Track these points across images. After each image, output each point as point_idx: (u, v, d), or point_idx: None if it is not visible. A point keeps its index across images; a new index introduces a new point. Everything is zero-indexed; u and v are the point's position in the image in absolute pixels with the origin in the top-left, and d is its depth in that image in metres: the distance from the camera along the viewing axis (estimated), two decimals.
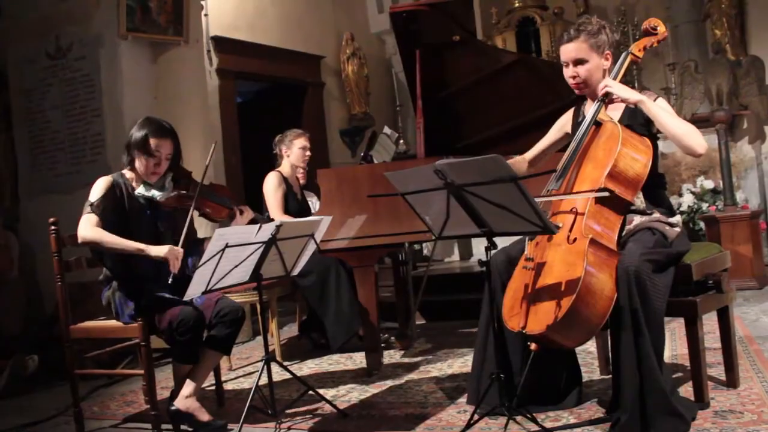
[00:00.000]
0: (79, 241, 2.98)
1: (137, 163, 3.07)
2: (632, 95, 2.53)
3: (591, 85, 2.68)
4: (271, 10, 7.11)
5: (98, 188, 3.04)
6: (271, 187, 4.45)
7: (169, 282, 2.93)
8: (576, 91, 2.75)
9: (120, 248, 2.95)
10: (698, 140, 2.47)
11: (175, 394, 2.96)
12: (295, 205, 4.53)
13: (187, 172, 3.26)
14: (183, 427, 2.93)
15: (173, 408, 2.91)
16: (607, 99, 2.60)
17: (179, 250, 2.97)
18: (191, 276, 2.70)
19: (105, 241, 2.94)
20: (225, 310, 2.96)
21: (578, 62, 2.65)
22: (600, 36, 2.63)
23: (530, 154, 2.98)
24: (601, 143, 2.54)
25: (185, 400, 2.91)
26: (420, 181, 2.43)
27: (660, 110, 2.52)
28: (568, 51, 2.67)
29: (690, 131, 2.48)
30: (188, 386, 2.93)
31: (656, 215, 2.57)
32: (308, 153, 4.63)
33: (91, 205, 2.99)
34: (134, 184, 3.11)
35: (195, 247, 3.21)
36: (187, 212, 3.11)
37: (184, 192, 3.10)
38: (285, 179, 4.53)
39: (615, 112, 2.67)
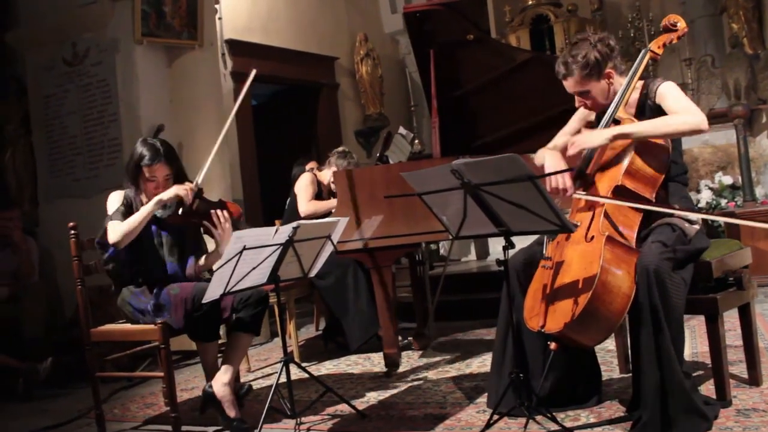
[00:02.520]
0: (119, 246, 3.01)
1: (141, 187, 3.16)
2: (598, 140, 2.49)
3: (604, 104, 2.66)
4: (284, 13, 7.14)
5: (114, 200, 3.13)
6: (304, 184, 4.57)
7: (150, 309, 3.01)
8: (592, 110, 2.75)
9: (142, 221, 3.02)
10: (694, 120, 2.42)
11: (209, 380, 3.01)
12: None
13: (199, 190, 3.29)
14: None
15: (209, 389, 2.94)
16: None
17: (186, 184, 3.06)
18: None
19: (129, 228, 3.00)
20: (248, 293, 2.98)
21: (581, 94, 2.67)
22: (591, 62, 2.57)
23: (560, 144, 2.92)
24: (619, 141, 2.53)
25: (222, 386, 2.94)
26: (437, 181, 2.43)
27: (643, 127, 2.46)
28: (568, 86, 2.68)
29: (681, 121, 2.43)
30: (225, 372, 2.97)
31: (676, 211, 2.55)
32: None
33: (110, 216, 3.07)
34: (144, 199, 3.17)
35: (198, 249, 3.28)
36: (195, 228, 3.19)
37: (188, 209, 3.12)
38: (319, 183, 4.64)
39: (631, 108, 2.66)
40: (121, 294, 3.13)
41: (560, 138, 2.93)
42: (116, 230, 3.02)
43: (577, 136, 2.60)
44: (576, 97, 2.71)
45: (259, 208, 6.45)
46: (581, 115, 2.91)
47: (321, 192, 4.64)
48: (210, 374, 3.03)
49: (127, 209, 3.10)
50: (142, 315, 3.06)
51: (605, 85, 2.63)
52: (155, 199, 3.04)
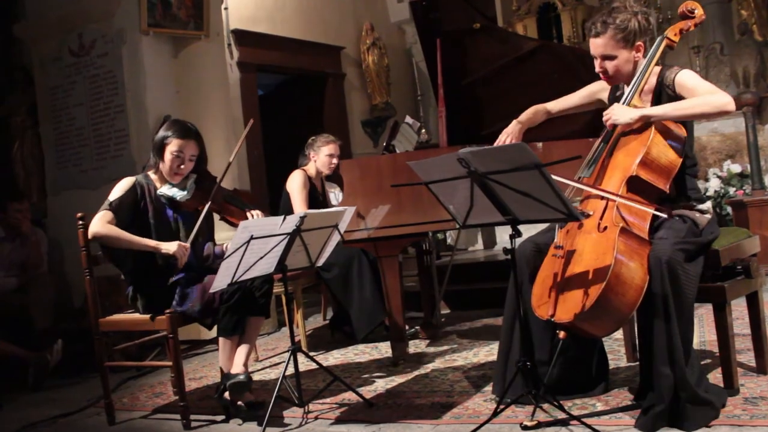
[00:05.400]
0: (90, 236, 3.03)
1: (161, 164, 3.14)
2: (633, 116, 2.45)
3: (621, 78, 2.63)
4: (290, 2, 7.12)
5: (119, 188, 3.13)
6: (297, 185, 4.44)
7: (169, 282, 3.03)
8: (607, 83, 2.71)
9: (131, 245, 3.03)
10: (720, 101, 2.38)
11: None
12: (317, 205, 4.48)
13: (212, 177, 3.32)
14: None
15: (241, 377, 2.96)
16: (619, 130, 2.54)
17: (186, 245, 3.05)
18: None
19: (116, 237, 3.01)
20: None
21: (606, 57, 2.59)
22: (629, 29, 2.53)
23: (555, 107, 2.94)
24: (634, 131, 2.50)
25: (241, 368, 2.98)
26: (443, 170, 2.42)
27: (670, 109, 2.44)
28: (595, 45, 2.59)
29: (708, 101, 2.39)
30: (240, 355, 3.01)
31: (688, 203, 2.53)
32: (335, 161, 4.56)
33: (110, 203, 3.07)
34: (158, 184, 3.17)
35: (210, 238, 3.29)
36: (209, 214, 3.21)
37: (206, 194, 3.19)
38: (309, 179, 4.54)
39: (646, 97, 2.62)
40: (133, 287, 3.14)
41: (532, 110, 2.95)
42: (103, 227, 2.99)
43: (611, 109, 2.52)
44: (596, 62, 2.62)
45: (265, 198, 6.45)
46: (592, 89, 2.85)
47: (314, 188, 4.55)
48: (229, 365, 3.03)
49: (128, 200, 3.08)
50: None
51: (632, 58, 2.58)
52: (155, 243, 3.02)
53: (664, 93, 2.58)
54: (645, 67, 2.59)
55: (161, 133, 3.15)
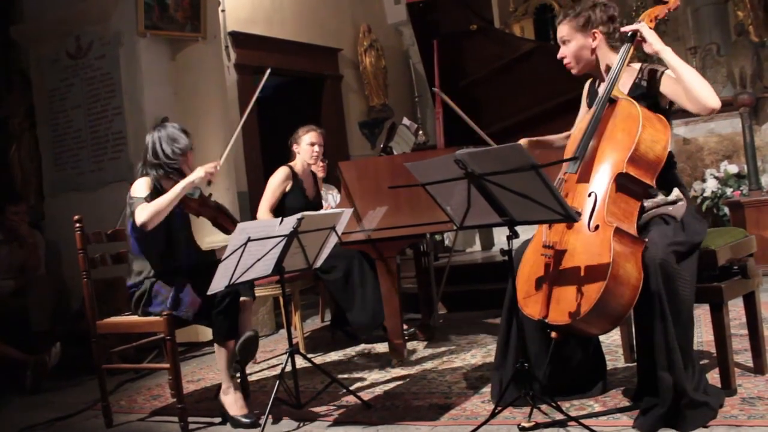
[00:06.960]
0: (147, 228, 2.99)
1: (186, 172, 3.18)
2: (657, 43, 2.51)
3: (581, 64, 2.71)
4: (287, 4, 7.13)
5: (144, 186, 3.11)
6: (273, 182, 4.37)
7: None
8: (572, 71, 2.77)
9: (173, 199, 3.02)
10: (712, 94, 2.42)
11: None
12: (300, 201, 4.37)
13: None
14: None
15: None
16: (635, 39, 2.58)
17: (214, 165, 3.14)
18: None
19: (160, 206, 3.00)
20: None
21: (563, 42, 2.72)
22: (582, 16, 2.65)
23: (534, 139, 2.96)
24: (619, 123, 2.49)
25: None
26: (440, 172, 2.42)
27: (680, 62, 2.48)
28: (558, 33, 2.74)
29: (706, 85, 2.45)
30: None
31: (657, 199, 2.49)
32: (317, 149, 4.46)
33: (145, 198, 3.06)
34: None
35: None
36: (202, 219, 3.27)
37: (206, 198, 3.26)
38: (295, 174, 4.44)
39: (623, 87, 2.61)
40: (143, 286, 3.12)
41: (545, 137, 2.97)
42: (144, 211, 3.00)
43: (646, 27, 2.56)
44: (560, 47, 2.75)
45: None
46: (584, 111, 2.88)
47: (300, 183, 4.44)
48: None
49: (156, 195, 3.10)
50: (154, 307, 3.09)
51: (588, 44, 2.66)
52: (185, 181, 3.05)
53: (648, 85, 2.57)
54: (626, 51, 2.59)
55: (180, 143, 3.16)
